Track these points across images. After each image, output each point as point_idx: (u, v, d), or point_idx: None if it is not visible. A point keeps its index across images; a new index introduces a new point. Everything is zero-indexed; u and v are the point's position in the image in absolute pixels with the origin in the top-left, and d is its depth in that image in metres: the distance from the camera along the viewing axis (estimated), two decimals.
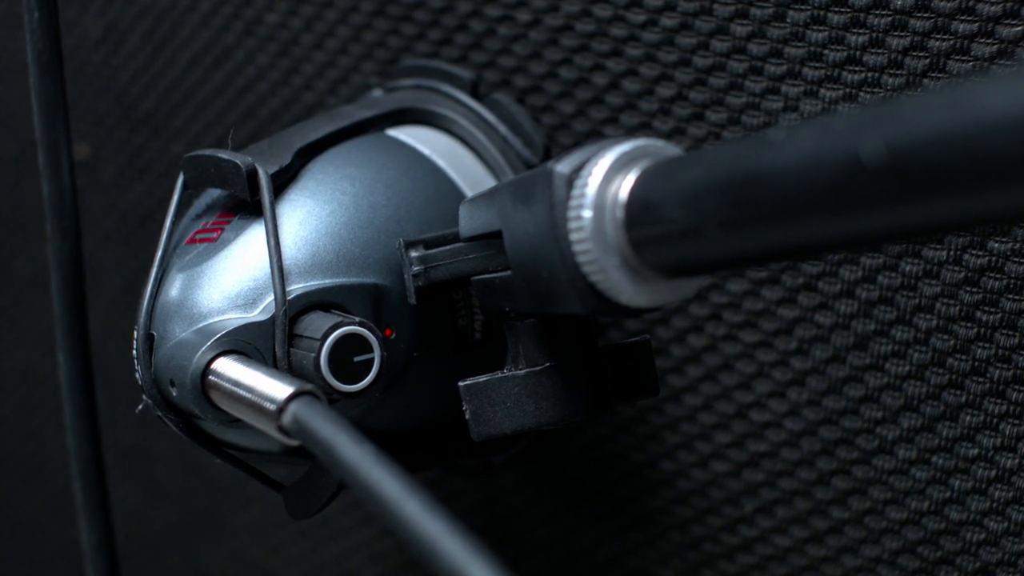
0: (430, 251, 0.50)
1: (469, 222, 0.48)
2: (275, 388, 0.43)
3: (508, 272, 0.45)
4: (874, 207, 0.32)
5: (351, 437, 0.39)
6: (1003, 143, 0.29)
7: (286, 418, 0.42)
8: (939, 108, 0.31)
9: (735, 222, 0.37)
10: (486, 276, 0.48)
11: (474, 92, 0.61)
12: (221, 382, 0.46)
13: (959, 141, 0.30)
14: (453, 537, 0.35)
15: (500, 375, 0.48)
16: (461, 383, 0.49)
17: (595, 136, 0.60)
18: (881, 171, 0.31)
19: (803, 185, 0.34)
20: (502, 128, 0.59)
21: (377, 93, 0.63)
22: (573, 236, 0.41)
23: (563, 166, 0.42)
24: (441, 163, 0.57)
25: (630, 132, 0.59)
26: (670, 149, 0.41)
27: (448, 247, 0.50)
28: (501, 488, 0.68)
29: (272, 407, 0.42)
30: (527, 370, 0.48)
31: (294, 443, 0.42)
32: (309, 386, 0.42)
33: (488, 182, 0.57)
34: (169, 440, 0.81)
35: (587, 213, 0.40)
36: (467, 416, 0.49)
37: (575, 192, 0.41)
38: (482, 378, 0.49)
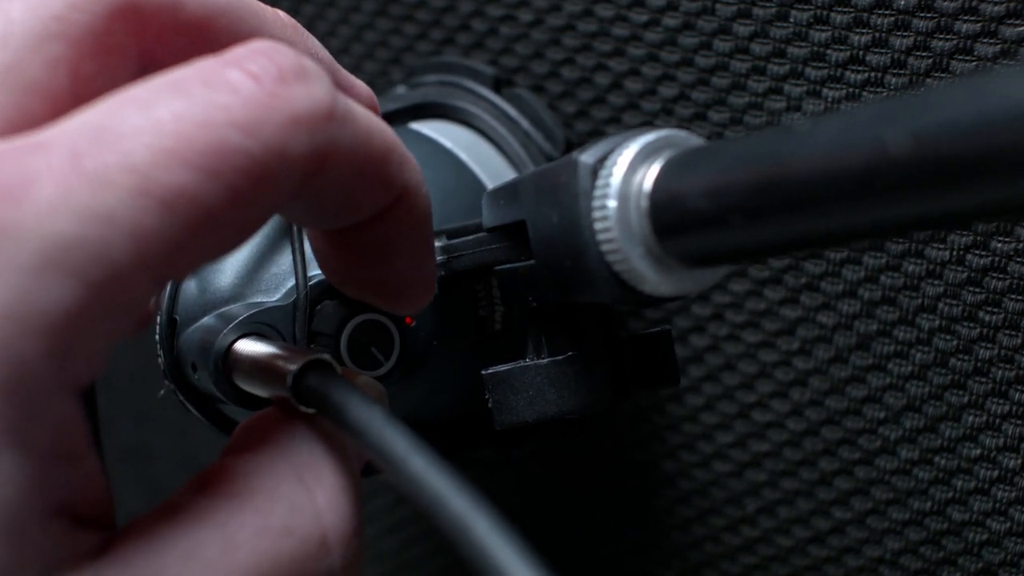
0: (452, 241, 0.50)
1: (492, 212, 0.48)
2: (289, 359, 0.43)
3: (531, 262, 0.45)
4: (900, 196, 0.33)
5: (361, 399, 0.39)
6: None
7: (300, 385, 0.42)
8: (965, 96, 0.31)
9: (760, 211, 0.37)
10: (509, 266, 0.48)
11: (496, 87, 0.61)
12: (241, 363, 0.46)
13: (986, 128, 0.30)
14: (459, 492, 0.35)
15: (522, 364, 0.48)
16: (484, 372, 0.49)
17: (598, 136, 0.60)
18: (907, 159, 0.32)
19: (828, 174, 0.34)
20: (524, 122, 0.59)
21: (400, 90, 0.63)
22: (597, 225, 0.41)
23: (588, 156, 0.42)
24: (463, 156, 0.57)
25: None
26: (694, 139, 0.41)
27: (471, 237, 0.50)
28: (502, 488, 0.68)
29: (287, 376, 0.42)
30: (549, 359, 0.48)
31: (310, 411, 0.42)
32: (323, 354, 0.42)
33: (509, 175, 0.57)
34: (170, 439, 0.81)
35: (612, 203, 0.40)
36: (490, 404, 0.49)
37: (600, 182, 0.41)
38: (504, 367, 0.49)
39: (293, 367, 0.42)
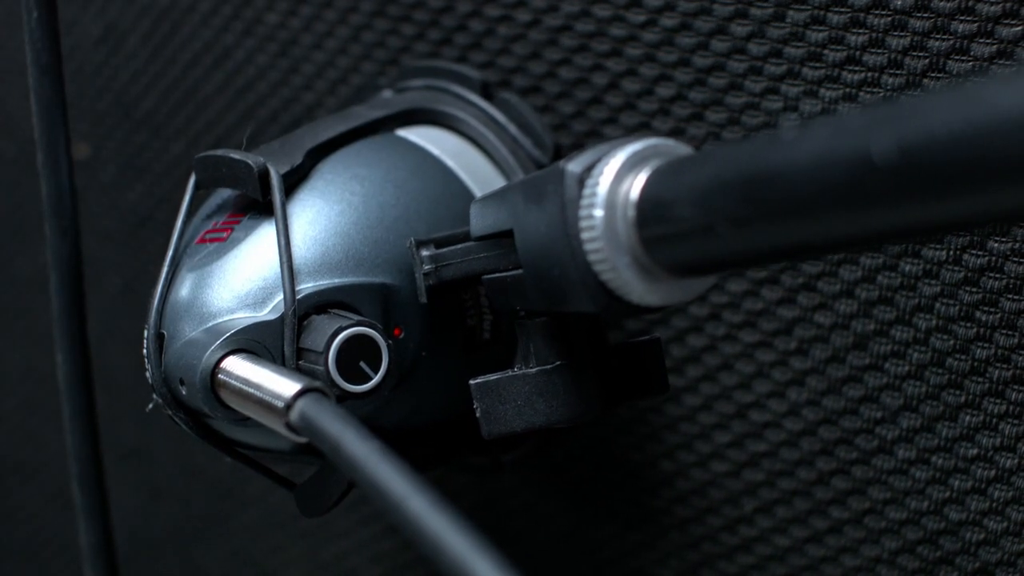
0: (441, 250, 0.50)
1: (480, 221, 0.48)
2: (282, 385, 0.43)
3: (519, 271, 0.45)
4: (885, 205, 0.33)
5: (358, 434, 0.39)
6: (1013, 141, 0.29)
7: (293, 415, 0.42)
8: (950, 107, 0.31)
9: (746, 220, 0.37)
10: (497, 275, 0.48)
11: (484, 92, 0.61)
12: (230, 380, 0.46)
13: (969, 139, 0.30)
14: (458, 534, 0.35)
15: (511, 373, 0.49)
16: (472, 381, 0.49)
17: (595, 136, 0.60)
18: (892, 169, 0.32)
19: (814, 183, 0.34)
20: (512, 128, 0.59)
21: (387, 94, 0.63)
22: (584, 235, 0.41)
23: (575, 165, 0.42)
24: (450, 163, 0.57)
25: (630, 132, 0.59)
26: (681, 148, 0.41)
27: (459, 246, 0.50)
28: (501, 489, 0.68)
29: (280, 404, 0.42)
30: (538, 368, 0.48)
31: (302, 440, 0.42)
32: (316, 383, 0.42)
33: (498, 182, 0.57)
34: (169, 441, 0.81)
35: (598, 212, 0.40)
36: (478, 414, 0.49)
37: (586, 191, 0.41)
38: (493, 376, 0.49)
39: (286, 395, 0.42)
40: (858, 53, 0.52)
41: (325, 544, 0.77)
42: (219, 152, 0.52)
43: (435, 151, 0.57)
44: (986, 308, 0.52)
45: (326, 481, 0.51)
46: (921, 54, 0.51)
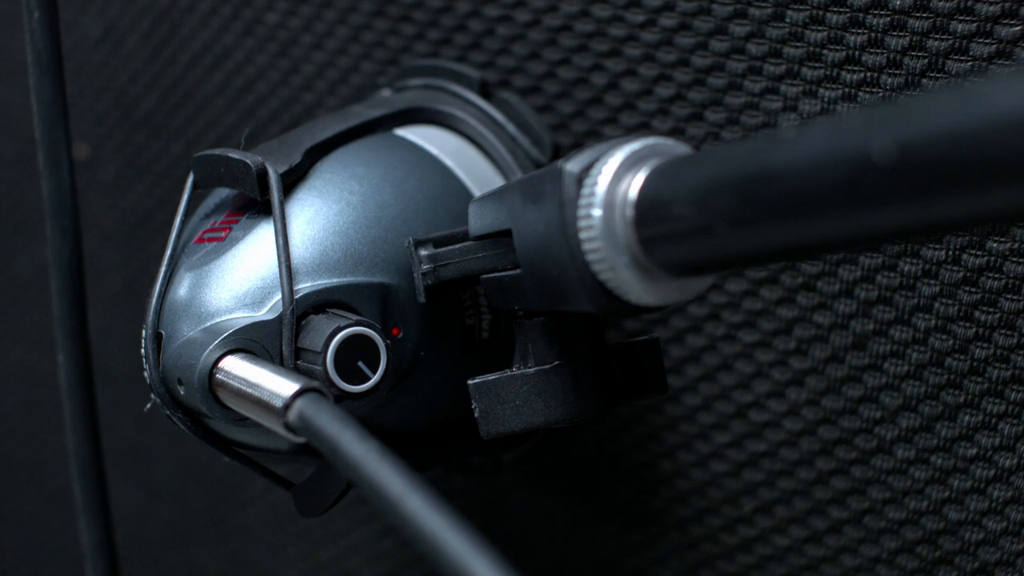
0: (439, 250, 0.50)
1: (478, 221, 0.48)
2: (281, 385, 0.43)
3: (517, 271, 0.45)
4: (884, 205, 0.33)
5: (355, 434, 0.39)
6: (1012, 141, 0.29)
7: (291, 415, 0.42)
8: (949, 106, 0.31)
9: (745, 220, 0.37)
10: (495, 275, 0.48)
11: (483, 91, 0.61)
12: (228, 380, 0.46)
13: (969, 139, 0.30)
14: (456, 534, 0.35)
15: (509, 373, 0.49)
16: (470, 381, 0.49)
17: (594, 136, 0.60)
18: (891, 169, 0.32)
19: (813, 183, 0.34)
20: (510, 127, 0.59)
21: (386, 93, 0.63)
22: (583, 235, 0.41)
23: (573, 165, 0.42)
24: (449, 162, 0.57)
25: (629, 132, 0.59)
26: (680, 148, 0.41)
27: (457, 246, 0.50)
28: (500, 489, 0.68)
29: (278, 404, 0.42)
30: (536, 368, 0.48)
31: (300, 440, 0.42)
32: (315, 383, 0.42)
33: (496, 181, 0.57)
34: (169, 441, 0.81)
35: (597, 212, 0.40)
36: (476, 414, 0.49)
37: (585, 191, 0.41)
38: (491, 376, 0.49)
39: (284, 395, 0.42)
40: (857, 53, 0.52)
41: (324, 544, 0.77)
42: (218, 151, 0.52)
43: (433, 150, 0.57)
44: (985, 308, 0.52)
45: (324, 481, 0.51)
46: (920, 54, 0.51)
